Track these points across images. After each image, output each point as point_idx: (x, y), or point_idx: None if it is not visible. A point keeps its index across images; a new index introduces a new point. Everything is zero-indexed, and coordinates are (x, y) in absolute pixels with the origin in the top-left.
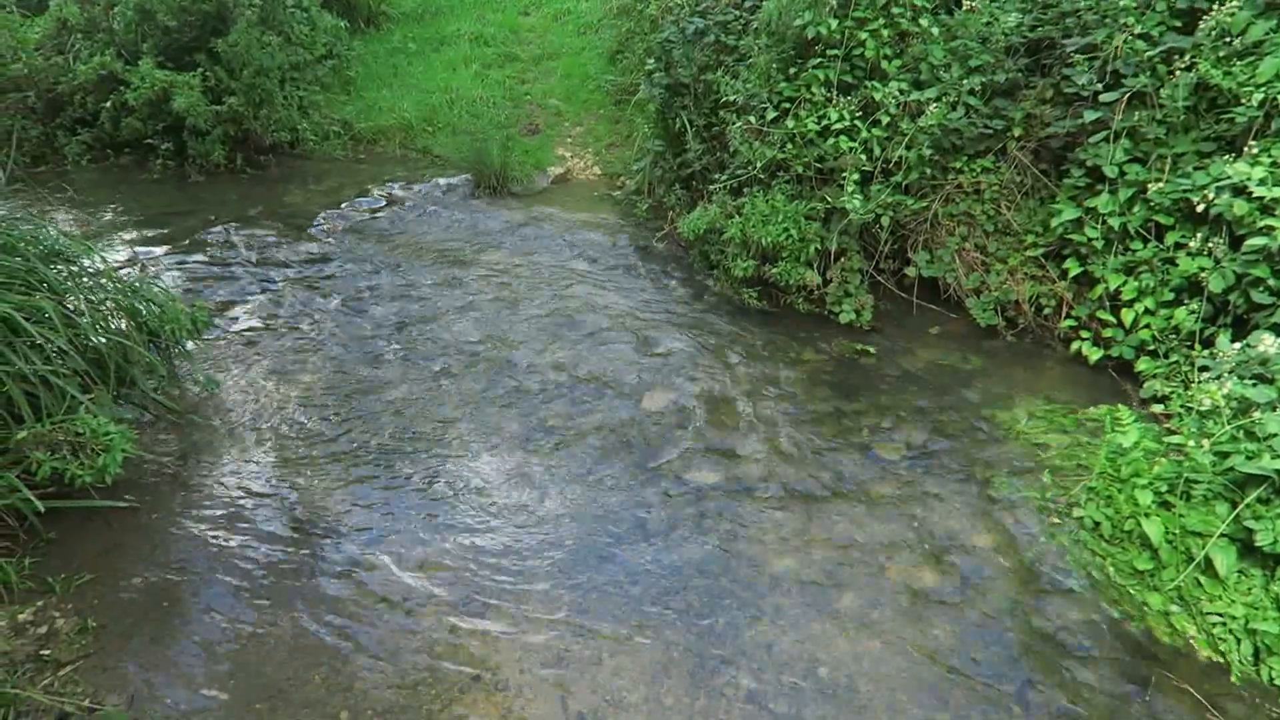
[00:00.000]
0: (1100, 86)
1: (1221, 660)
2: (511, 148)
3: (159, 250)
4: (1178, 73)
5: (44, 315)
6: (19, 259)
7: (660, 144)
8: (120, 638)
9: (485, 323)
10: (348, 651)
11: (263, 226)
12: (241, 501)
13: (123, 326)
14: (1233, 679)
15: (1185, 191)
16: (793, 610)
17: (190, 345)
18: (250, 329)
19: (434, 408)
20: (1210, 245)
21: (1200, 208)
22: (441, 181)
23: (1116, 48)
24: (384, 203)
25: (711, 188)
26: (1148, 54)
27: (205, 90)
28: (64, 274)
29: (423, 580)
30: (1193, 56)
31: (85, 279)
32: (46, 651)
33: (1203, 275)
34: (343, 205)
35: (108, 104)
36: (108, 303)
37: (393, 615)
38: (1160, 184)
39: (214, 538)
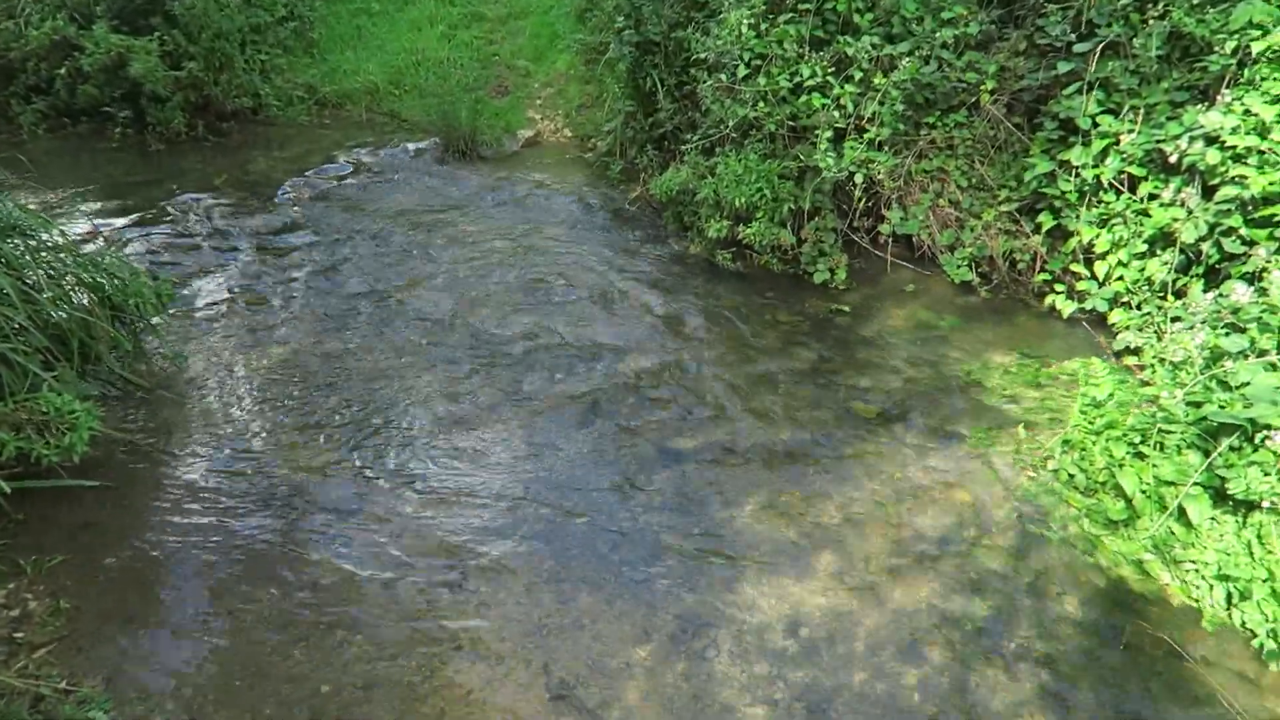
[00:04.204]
0: (1074, 37)
1: (1195, 606)
2: (480, 110)
3: (121, 221)
4: (1151, 21)
5: (1, 291)
6: None
7: (631, 104)
8: (95, 618)
9: (458, 290)
10: (327, 625)
11: (227, 195)
12: (213, 476)
13: (85, 301)
14: (1204, 624)
15: (1158, 142)
16: (772, 571)
17: (156, 319)
18: (217, 301)
19: (407, 377)
20: (1183, 195)
21: (1173, 158)
22: (410, 146)
23: None
24: (351, 169)
25: (683, 148)
26: (1121, 2)
27: (163, 55)
28: (21, 248)
29: (400, 551)
30: (1166, 4)
31: (44, 253)
32: (20, 634)
33: (1175, 226)
34: (309, 172)
35: (62, 70)
36: (68, 277)
37: (371, 587)
38: (1133, 135)
39: (187, 514)
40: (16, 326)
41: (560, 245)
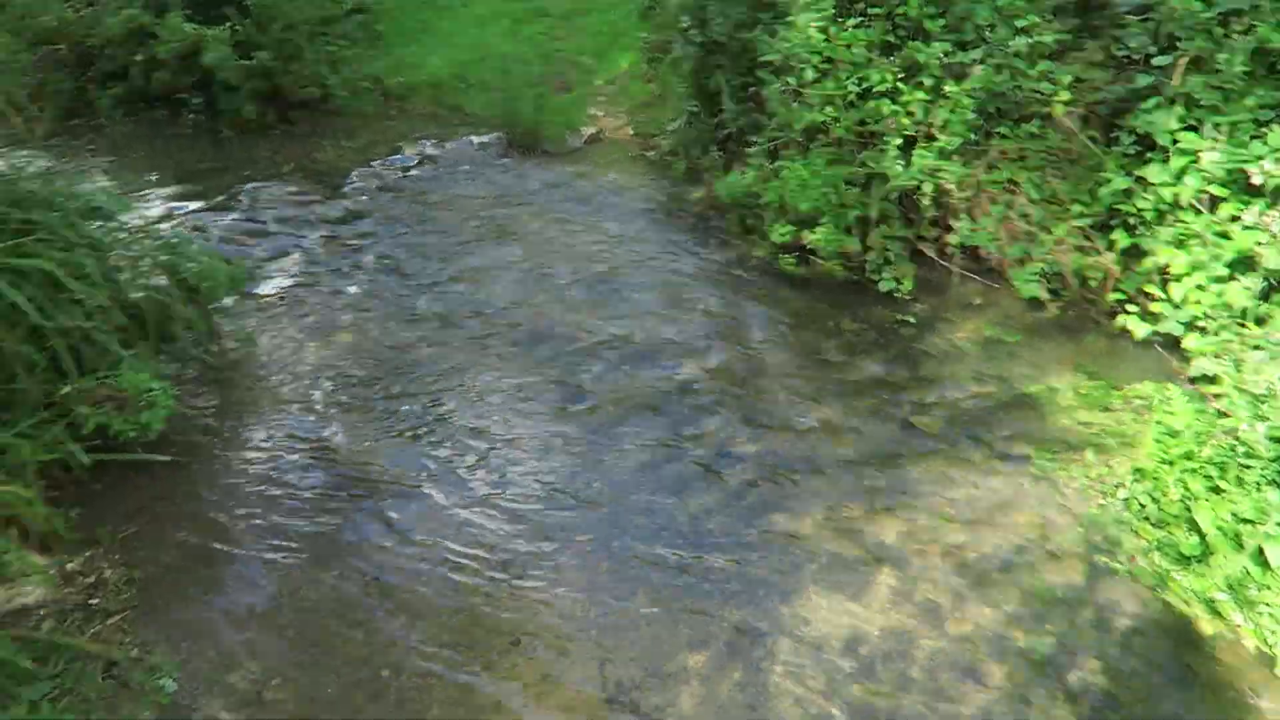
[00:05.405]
0: (1154, 50)
1: (1268, 651)
2: (543, 106)
3: (193, 205)
4: (1236, 36)
5: (84, 271)
6: (58, 214)
7: (695, 104)
8: (165, 590)
9: (521, 285)
10: (388, 611)
11: (296, 183)
12: (280, 458)
13: (162, 283)
14: (1278, 671)
15: (1241, 162)
16: (831, 586)
17: (229, 301)
18: (286, 287)
19: (470, 370)
20: (1266, 219)
21: (1256, 179)
22: (474, 140)
23: (1172, 9)
24: (417, 160)
25: (748, 150)
26: (1204, 15)
27: (234, 44)
28: (103, 229)
29: (461, 542)
30: (1252, 19)
31: (124, 234)
32: (94, 601)
33: (1258, 250)
34: (375, 163)
35: (138, 57)
36: (146, 259)
37: (432, 576)
38: (1214, 153)
39: (254, 493)
40: (98, 305)
41: (623, 243)
